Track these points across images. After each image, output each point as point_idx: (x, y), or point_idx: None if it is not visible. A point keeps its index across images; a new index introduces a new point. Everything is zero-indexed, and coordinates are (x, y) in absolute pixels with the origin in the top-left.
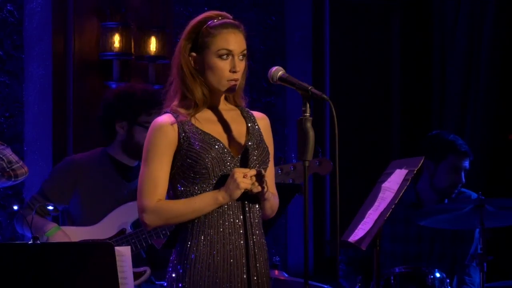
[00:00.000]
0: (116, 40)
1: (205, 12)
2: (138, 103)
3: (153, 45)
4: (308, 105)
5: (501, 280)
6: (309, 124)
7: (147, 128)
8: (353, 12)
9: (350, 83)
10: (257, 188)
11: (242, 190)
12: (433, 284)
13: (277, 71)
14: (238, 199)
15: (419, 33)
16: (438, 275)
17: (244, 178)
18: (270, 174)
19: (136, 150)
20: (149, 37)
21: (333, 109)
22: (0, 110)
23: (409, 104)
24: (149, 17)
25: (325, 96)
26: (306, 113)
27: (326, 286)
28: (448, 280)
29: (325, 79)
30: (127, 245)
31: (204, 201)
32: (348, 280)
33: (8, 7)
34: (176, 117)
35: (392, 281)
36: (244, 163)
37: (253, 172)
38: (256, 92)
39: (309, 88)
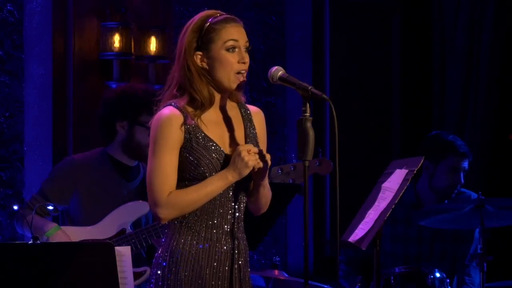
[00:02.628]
0: (116, 40)
1: (201, 12)
2: (139, 103)
3: (153, 45)
4: (308, 105)
5: (501, 280)
6: (309, 124)
7: (148, 128)
8: (353, 12)
9: (350, 83)
10: (259, 164)
11: (251, 168)
12: (433, 284)
13: (277, 71)
14: (228, 202)
15: (419, 33)
16: (438, 275)
17: (250, 156)
18: None
19: (136, 150)
20: (149, 37)
21: (333, 109)
22: (0, 110)
23: (409, 104)
24: (149, 17)
25: (325, 96)
26: (306, 113)
27: (326, 286)
28: (448, 280)
29: (325, 79)
30: (127, 245)
31: (214, 184)
32: (348, 280)
33: (8, 7)
34: (184, 117)
35: (392, 281)
36: None
37: (256, 149)
38: (256, 92)
39: (309, 88)
